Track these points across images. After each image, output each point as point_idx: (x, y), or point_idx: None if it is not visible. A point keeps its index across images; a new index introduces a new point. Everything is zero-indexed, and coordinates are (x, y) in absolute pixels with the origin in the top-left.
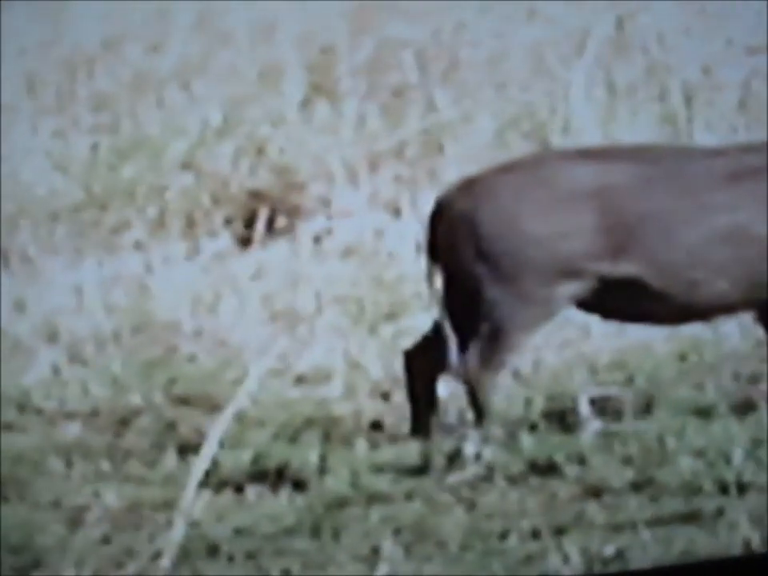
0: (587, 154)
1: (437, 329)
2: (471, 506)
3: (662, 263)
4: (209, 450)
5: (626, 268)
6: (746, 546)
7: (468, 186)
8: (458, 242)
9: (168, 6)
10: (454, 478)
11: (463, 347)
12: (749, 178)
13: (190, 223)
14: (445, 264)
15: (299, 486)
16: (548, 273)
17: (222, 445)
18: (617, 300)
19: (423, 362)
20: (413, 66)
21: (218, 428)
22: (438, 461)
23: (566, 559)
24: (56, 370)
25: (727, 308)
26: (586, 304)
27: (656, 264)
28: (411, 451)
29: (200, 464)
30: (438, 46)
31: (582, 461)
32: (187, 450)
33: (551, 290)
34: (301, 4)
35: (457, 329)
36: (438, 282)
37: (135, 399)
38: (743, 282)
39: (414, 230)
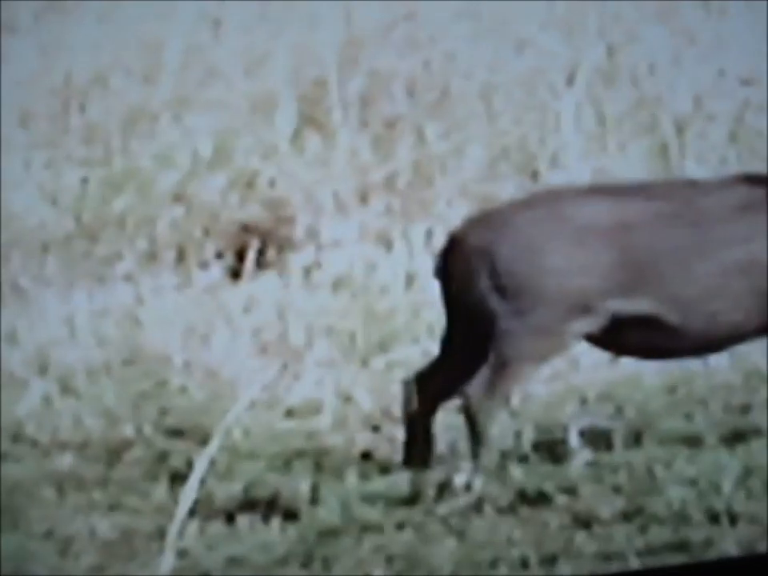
0: (602, 191)
1: (436, 359)
2: (462, 535)
3: (679, 298)
4: (196, 479)
5: (640, 305)
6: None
7: (484, 220)
8: (474, 275)
9: (159, 39)
10: (444, 508)
11: (465, 378)
12: (759, 210)
13: (181, 255)
14: (457, 296)
15: (290, 516)
16: (563, 307)
17: (213, 475)
18: (630, 336)
19: (422, 392)
20: (403, 98)
21: (205, 456)
22: (429, 491)
23: None
24: (48, 401)
25: (742, 337)
26: (597, 339)
27: (672, 300)
28: (402, 481)
29: (188, 493)
30: (429, 78)
31: (571, 491)
32: (179, 480)
33: (565, 325)
34: (292, 36)
35: (462, 360)
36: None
37: (127, 430)
38: (759, 311)
39: (404, 261)
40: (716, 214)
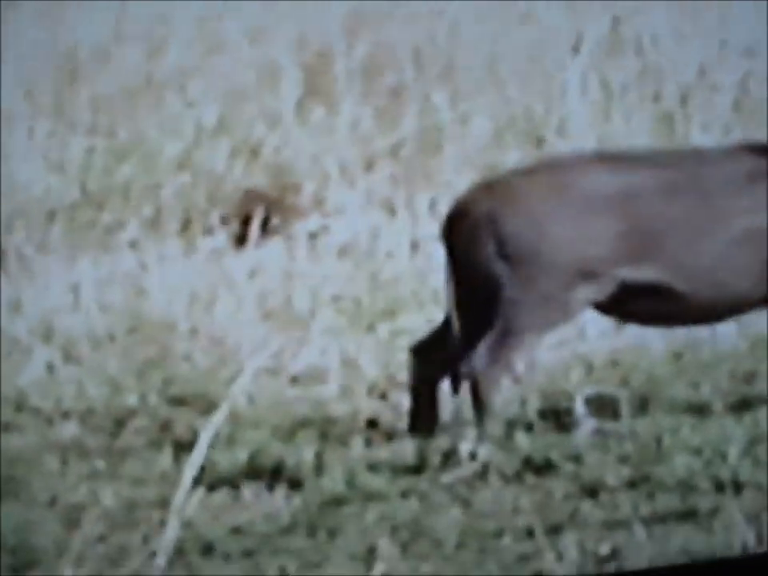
0: (609, 159)
1: (442, 327)
2: (467, 504)
3: (686, 267)
4: (201, 449)
5: (648, 273)
6: (742, 544)
7: (490, 187)
8: (479, 242)
9: (165, 9)
10: (449, 476)
11: (471, 346)
12: (764, 179)
13: (186, 223)
14: (461, 263)
15: (295, 484)
16: (568, 275)
17: (217, 444)
18: (637, 303)
19: (427, 359)
20: (409, 68)
21: (211, 425)
22: (434, 459)
23: (560, 558)
24: (52, 370)
25: (749, 306)
26: (603, 307)
27: (680, 268)
28: (407, 450)
29: (193, 463)
30: (434, 48)
31: (577, 459)
32: (183, 449)
33: (571, 293)
34: (297, 5)
35: (466, 327)
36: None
37: (131, 399)
38: (765, 281)
39: (409, 229)
40: (722, 184)
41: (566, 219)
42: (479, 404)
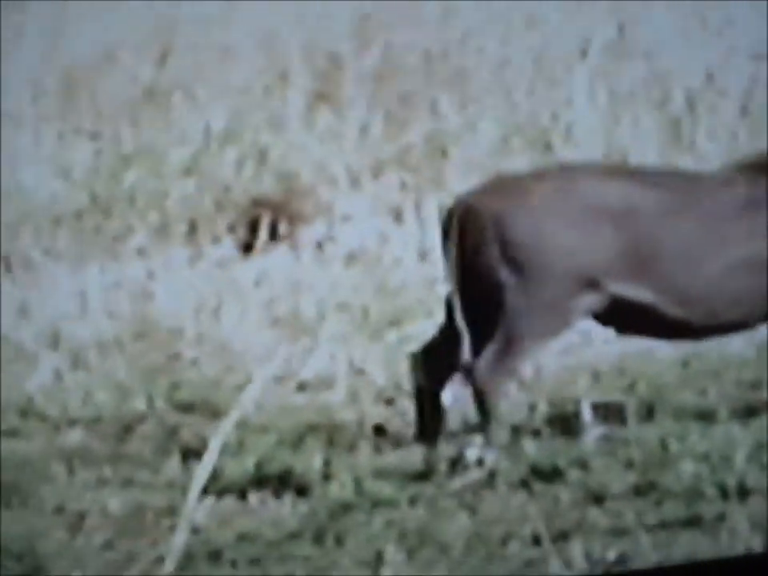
0: (615, 173)
1: (443, 332)
2: (474, 511)
3: (680, 292)
4: (211, 457)
5: (641, 293)
6: (747, 550)
7: (498, 189)
8: (485, 244)
9: (172, 14)
10: (456, 483)
11: (475, 351)
12: (762, 207)
13: (193, 229)
14: (467, 263)
15: (302, 491)
16: (570, 283)
17: (225, 451)
18: (633, 318)
19: (429, 366)
20: (417, 73)
21: (220, 434)
22: (441, 466)
23: (568, 564)
24: (59, 376)
25: (745, 328)
26: (602, 318)
27: (673, 292)
28: (414, 457)
29: (202, 470)
30: (443, 54)
31: (584, 466)
32: (190, 455)
33: (571, 301)
34: (306, 11)
35: (469, 331)
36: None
37: (138, 405)
38: (760, 309)
39: (417, 235)
40: (721, 211)
41: (571, 227)
42: (484, 410)
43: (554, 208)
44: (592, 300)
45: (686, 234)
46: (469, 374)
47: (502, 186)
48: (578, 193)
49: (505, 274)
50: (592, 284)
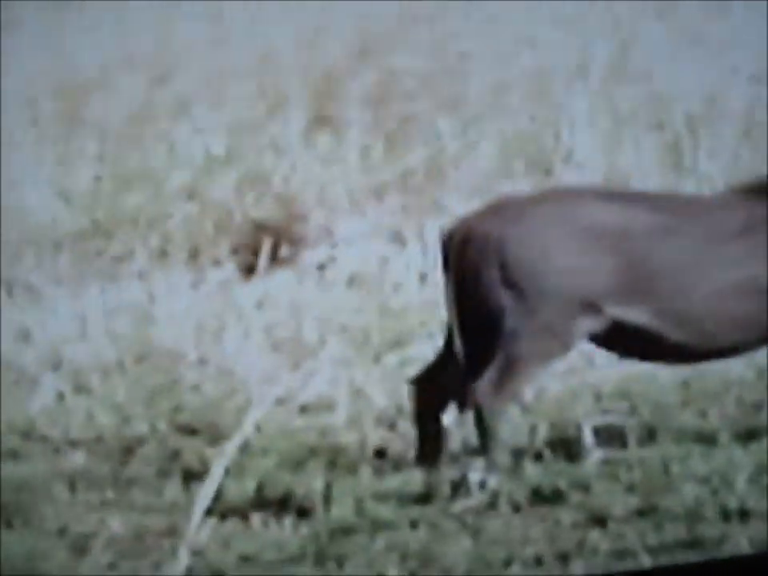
0: (615, 196)
1: (443, 355)
2: (476, 533)
3: (677, 315)
4: (214, 479)
5: (638, 316)
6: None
7: (498, 212)
8: (485, 266)
9: (172, 35)
10: (458, 505)
11: (474, 373)
12: (759, 231)
13: (194, 252)
14: (467, 286)
15: (304, 513)
16: (569, 306)
17: (226, 473)
18: (632, 341)
19: (429, 389)
20: (417, 95)
21: (223, 457)
22: (443, 489)
23: None
24: (60, 398)
25: (743, 351)
26: (602, 341)
27: (670, 316)
28: (416, 479)
29: (205, 492)
30: (442, 75)
31: (585, 488)
32: (191, 478)
33: (571, 324)
34: (305, 34)
35: (468, 354)
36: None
37: (140, 427)
38: (758, 332)
39: (418, 258)
40: (720, 234)
41: (570, 250)
42: (484, 433)
43: (554, 231)
44: (591, 323)
45: (684, 257)
46: (468, 396)
47: (502, 208)
48: (578, 216)
49: (505, 297)
50: (591, 307)
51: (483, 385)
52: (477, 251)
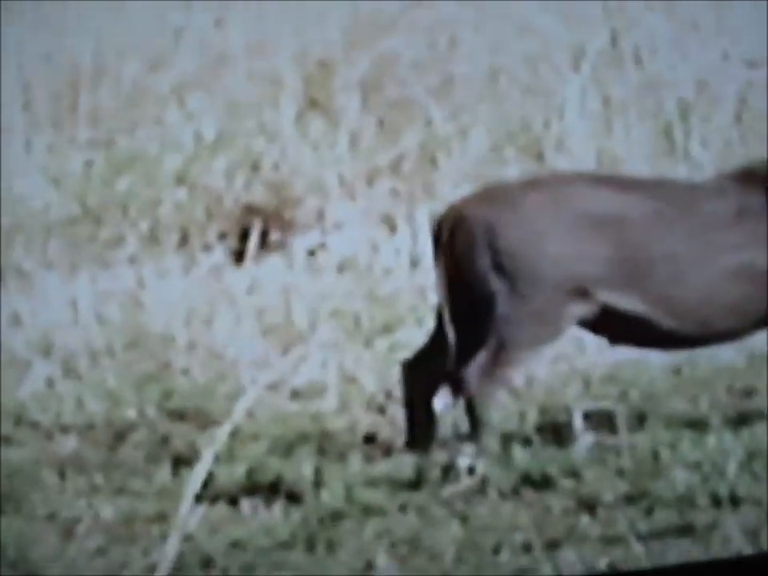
0: (607, 182)
1: (434, 340)
2: (465, 519)
3: (670, 302)
4: (205, 465)
5: (631, 303)
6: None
7: (489, 197)
8: (476, 251)
9: (164, 22)
10: (447, 491)
11: (464, 359)
12: (752, 216)
13: (184, 237)
14: (458, 272)
15: (294, 499)
16: (560, 292)
17: (216, 458)
18: (624, 327)
19: (420, 374)
20: (409, 81)
21: (213, 443)
22: (432, 474)
23: (558, 572)
24: (51, 384)
25: (735, 337)
26: (595, 327)
27: (663, 303)
28: (405, 464)
29: (195, 478)
30: (434, 61)
31: (575, 474)
32: (181, 463)
33: (562, 309)
34: (297, 19)
35: (459, 340)
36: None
37: (130, 413)
38: (751, 318)
39: (409, 244)
40: (713, 220)
41: (562, 236)
42: (474, 418)
43: (545, 217)
44: (582, 309)
45: (676, 244)
46: (459, 381)
47: (494, 194)
48: (570, 202)
49: (495, 283)
50: (582, 293)
51: (474, 370)
52: (468, 237)
